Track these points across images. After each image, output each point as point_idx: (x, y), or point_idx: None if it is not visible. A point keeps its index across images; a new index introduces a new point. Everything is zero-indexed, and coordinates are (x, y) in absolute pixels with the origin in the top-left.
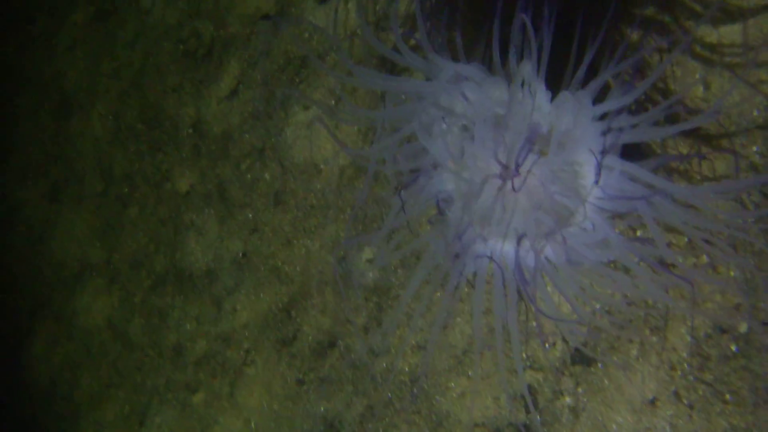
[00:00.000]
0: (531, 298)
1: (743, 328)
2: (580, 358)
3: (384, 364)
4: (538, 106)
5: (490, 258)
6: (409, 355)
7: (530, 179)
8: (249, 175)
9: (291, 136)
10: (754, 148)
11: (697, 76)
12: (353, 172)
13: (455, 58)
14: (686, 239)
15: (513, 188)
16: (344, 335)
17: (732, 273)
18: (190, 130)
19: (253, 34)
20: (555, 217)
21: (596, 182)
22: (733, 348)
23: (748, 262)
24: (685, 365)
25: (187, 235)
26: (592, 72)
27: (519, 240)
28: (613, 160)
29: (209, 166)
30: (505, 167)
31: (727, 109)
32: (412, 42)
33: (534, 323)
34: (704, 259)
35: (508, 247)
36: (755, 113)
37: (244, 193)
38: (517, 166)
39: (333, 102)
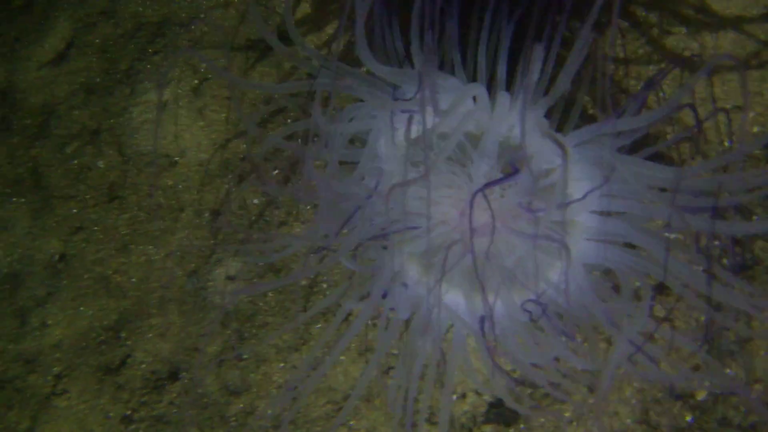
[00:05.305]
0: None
1: (701, 395)
2: (496, 416)
3: (241, 405)
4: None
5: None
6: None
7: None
8: (76, 161)
9: (137, 119)
10: None
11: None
12: (217, 168)
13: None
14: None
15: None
16: (190, 366)
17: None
18: None
19: None
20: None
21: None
22: (688, 419)
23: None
24: None
25: None
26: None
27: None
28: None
29: (22, 145)
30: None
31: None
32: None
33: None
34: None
35: (454, 296)
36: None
37: (69, 183)
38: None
39: (196, 82)
